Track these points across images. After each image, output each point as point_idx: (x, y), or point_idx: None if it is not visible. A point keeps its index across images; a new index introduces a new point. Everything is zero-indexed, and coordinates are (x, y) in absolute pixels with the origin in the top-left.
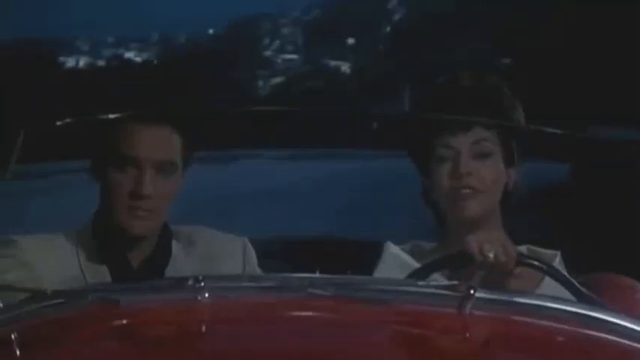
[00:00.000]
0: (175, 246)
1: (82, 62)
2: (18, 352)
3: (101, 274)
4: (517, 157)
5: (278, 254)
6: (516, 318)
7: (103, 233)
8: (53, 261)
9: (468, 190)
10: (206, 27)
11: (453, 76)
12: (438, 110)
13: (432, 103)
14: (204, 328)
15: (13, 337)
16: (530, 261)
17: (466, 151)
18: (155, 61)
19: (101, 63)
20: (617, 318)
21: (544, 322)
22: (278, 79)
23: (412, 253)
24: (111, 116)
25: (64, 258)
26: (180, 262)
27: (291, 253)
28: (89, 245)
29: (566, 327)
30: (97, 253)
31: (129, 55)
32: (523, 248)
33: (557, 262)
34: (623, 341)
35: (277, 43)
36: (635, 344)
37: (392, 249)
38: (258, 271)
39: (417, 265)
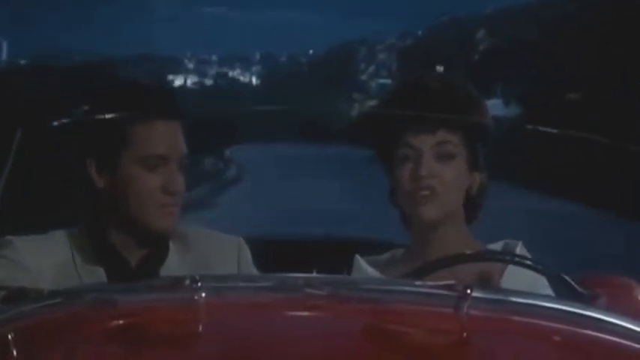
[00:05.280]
0: (170, 246)
1: (190, 81)
2: (15, 353)
3: (97, 274)
4: (482, 160)
5: (273, 254)
6: (513, 318)
7: (101, 233)
8: (48, 261)
9: (427, 192)
10: (307, 48)
11: (419, 77)
12: (405, 109)
13: (397, 103)
14: (201, 328)
15: (10, 337)
16: (526, 261)
17: (428, 152)
18: (257, 79)
19: (209, 82)
20: (613, 317)
21: (541, 322)
22: (372, 102)
23: (388, 262)
24: (107, 116)
25: (60, 258)
26: (176, 263)
27: (286, 252)
28: (84, 245)
29: (563, 326)
30: (92, 253)
31: (233, 73)
32: (499, 245)
33: (519, 251)
34: (619, 340)
35: (372, 67)
36: (631, 343)
37: (360, 262)
38: (254, 270)
39: (381, 277)
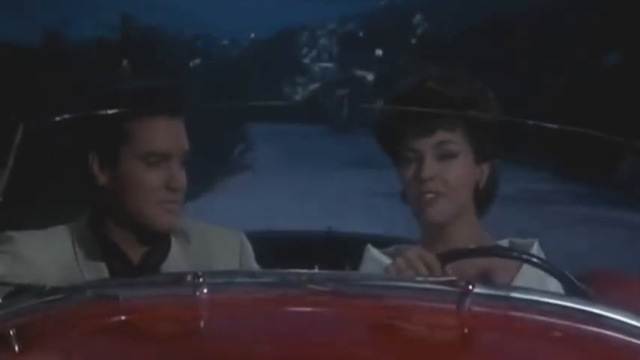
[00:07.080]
0: (172, 241)
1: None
2: (17, 348)
3: (99, 269)
4: (491, 152)
5: (275, 249)
6: (515, 313)
7: (103, 229)
8: (50, 257)
9: (431, 195)
10: (249, 32)
11: (420, 79)
12: (404, 113)
13: (396, 106)
14: (202, 324)
15: (11, 332)
16: (528, 257)
17: (429, 154)
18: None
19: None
20: (614, 313)
21: (543, 318)
22: (314, 85)
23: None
24: (109, 112)
25: (61, 254)
26: (177, 258)
27: (288, 248)
28: (86, 241)
29: (564, 322)
30: (94, 249)
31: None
32: (505, 242)
33: (535, 250)
34: (620, 336)
35: (314, 52)
36: (632, 339)
37: (372, 252)
38: (256, 265)
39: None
